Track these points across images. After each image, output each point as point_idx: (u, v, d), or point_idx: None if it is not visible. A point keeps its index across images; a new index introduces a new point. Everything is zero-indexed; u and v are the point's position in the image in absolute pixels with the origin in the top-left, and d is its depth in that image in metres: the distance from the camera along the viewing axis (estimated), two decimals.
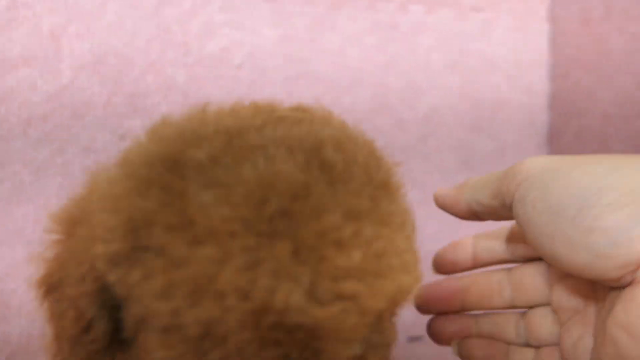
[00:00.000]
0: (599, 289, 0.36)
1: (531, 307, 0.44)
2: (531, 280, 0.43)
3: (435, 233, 0.84)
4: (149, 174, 0.28)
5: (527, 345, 0.43)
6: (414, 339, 0.83)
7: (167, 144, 0.29)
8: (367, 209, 0.29)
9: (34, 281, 0.33)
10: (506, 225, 0.48)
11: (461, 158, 0.84)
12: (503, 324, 0.44)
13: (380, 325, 0.30)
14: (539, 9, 0.86)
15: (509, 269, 0.47)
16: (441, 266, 0.50)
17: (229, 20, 0.73)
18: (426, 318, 0.82)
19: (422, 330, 0.83)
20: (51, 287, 0.32)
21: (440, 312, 0.50)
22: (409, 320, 0.82)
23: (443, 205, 0.45)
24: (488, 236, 0.48)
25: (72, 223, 0.32)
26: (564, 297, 0.39)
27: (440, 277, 0.75)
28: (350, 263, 0.27)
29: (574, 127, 0.82)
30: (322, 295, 0.26)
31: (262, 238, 0.26)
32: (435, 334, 0.48)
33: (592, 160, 0.33)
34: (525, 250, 0.45)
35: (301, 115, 0.33)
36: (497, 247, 0.46)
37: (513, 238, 0.46)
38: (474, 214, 0.42)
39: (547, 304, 0.42)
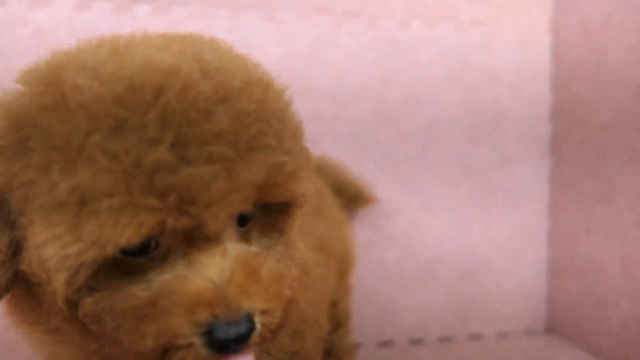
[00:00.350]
0: None
1: None
2: None
3: (437, 241, 0.87)
4: (36, 74, 0.32)
5: None
6: (415, 342, 0.86)
7: (62, 54, 0.34)
8: (244, 93, 0.31)
9: None
10: None
11: (463, 168, 0.86)
12: None
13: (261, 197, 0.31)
14: (541, 21, 0.88)
15: None
16: None
17: (235, 40, 0.78)
18: (427, 319, 0.85)
19: (423, 333, 0.86)
20: None
21: None
22: (410, 323, 0.86)
23: None
24: None
25: None
26: None
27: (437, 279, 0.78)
28: (220, 127, 0.29)
29: (575, 138, 0.83)
30: (191, 156, 0.28)
31: (131, 109, 0.28)
32: None
33: None
34: None
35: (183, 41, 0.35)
36: None
37: None
38: None
39: None
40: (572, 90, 0.84)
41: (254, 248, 0.33)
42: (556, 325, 0.89)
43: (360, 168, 0.83)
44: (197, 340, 0.30)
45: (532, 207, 0.89)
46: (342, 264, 0.63)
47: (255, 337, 0.31)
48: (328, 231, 0.58)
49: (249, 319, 0.30)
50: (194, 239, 0.31)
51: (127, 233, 0.28)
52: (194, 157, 0.28)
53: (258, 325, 0.31)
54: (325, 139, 0.82)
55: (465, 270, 0.88)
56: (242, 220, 0.33)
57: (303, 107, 0.79)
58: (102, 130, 0.28)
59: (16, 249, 0.31)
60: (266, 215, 0.34)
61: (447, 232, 0.87)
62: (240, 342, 0.30)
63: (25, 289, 0.34)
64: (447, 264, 0.87)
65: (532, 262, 0.90)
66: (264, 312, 0.31)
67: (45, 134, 0.29)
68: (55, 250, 0.29)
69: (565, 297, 0.86)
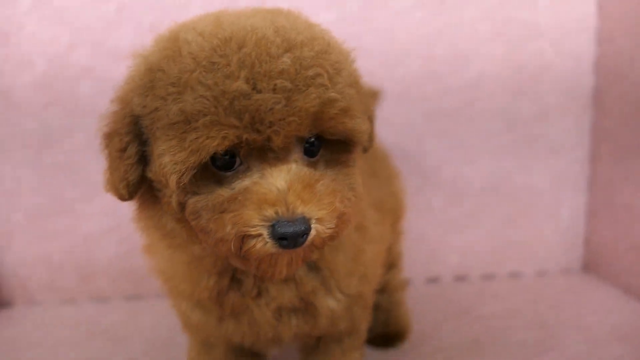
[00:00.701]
0: None
1: None
2: None
3: (480, 189, 0.94)
4: (163, 38, 0.43)
5: None
6: (459, 279, 0.96)
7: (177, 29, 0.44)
8: (302, 43, 0.40)
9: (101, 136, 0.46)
10: None
11: (505, 121, 0.92)
12: None
13: (319, 126, 0.41)
14: None
15: None
16: None
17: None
18: (470, 258, 0.94)
19: (467, 271, 0.95)
20: (107, 136, 0.45)
21: None
22: (454, 261, 0.95)
23: None
24: None
25: (124, 112, 0.44)
26: None
27: None
28: (282, 68, 0.38)
29: (617, 91, 0.86)
30: (260, 87, 0.38)
31: (221, 55, 0.39)
32: None
33: None
34: None
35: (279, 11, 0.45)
36: None
37: None
38: None
39: None
40: (616, 44, 0.87)
41: (319, 172, 0.43)
42: (592, 265, 0.96)
43: (409, 122, 0.90)
44: (264, 232, 0.39)
45: (572, 157, 0.94)
46: (395, 214, 0.71)
47: (309, 239, 0.40)
48: (382, 189, 0.65)
49: (306, 222, 0.39)
50: (268, 158, 0.40)
51: (215, 143, 0.38)
52: (263, 88, 0.38)
53: (313, 231, 0.40)
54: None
55: (506, 215, 0.95)
56: (310, 153, 0.43)
57: (360, 66, 0.85)
58: (201, 69, 0.39)
59: (142, 157, 0.43)
60: (330, 152, 0.44)
61: (490, 181, 0.94)
62: (296, 238, 0.39)
63: (149, 200, 0.45)
64: (489, 209, 0.95)
65: (571, 207, 0.96)
66: (318, 220, 0.40)
67: (165, 74, 0.40)
68: (169, 158, 0.39)
69: (601, 239, 0.93)
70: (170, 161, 0.39)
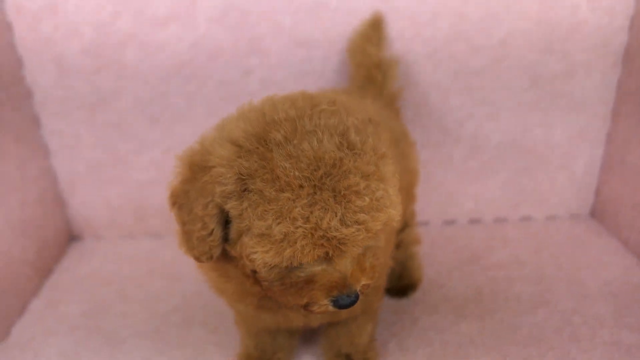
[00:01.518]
0: None
1: None
2: None
3: (499, 142, 0.99)
4: (248, 145, 0.47)
5: None
6: (473, 221, 1.05)
7: (255, 124, 0.49)
8: (373, 172, 0.48)
9: (168, 194, 0.53)
10: None
11: (531, 77, 0.94)
12: None
13: (376, 237, 0.49)
14: None
15: None
16: None
17: None
18: (485, 204, 1.02)
19: (481, 215, 1.04)
20: (176, 203, 0.51)
21: None
22: (470, 206, 1.03)
23: None
24: None
25: (194, 167, 0.52)
26: None
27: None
28: (363, 204, 0.46)
29: None
30: (347, 222, 0.46)
31: (316, 189, 0.45)
32: None
33: None
34: None
35: (333, 108, 0.50)
36: None
37: None
38: None
39: None
40: None
41: (361, 250, 0.51)
42: (599, 213, 1.03)
43: (435, 80, 0.94)
44: (328, 302, 0.50)
45: (593, 112, 0.97)
46: (409, 187, 0.79)
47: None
48: (398, 168, 0.73)
49: (357, 293, 0.50)
50: None
51: (308, 258, 0.47)
52: (350, 223, 0.46)
53: (360, 293, 0.51)
54: (406, 56, 0.91)
55: (523, 166, 1.01)
56: None
57: (389, 26, 0.87)
58: (300, 203, 0.45)
59: (225, 239, 0.50)
60: None
61: (510, 135, 0.99)
62: (350, 305, 0.50)
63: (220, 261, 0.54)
64: (506, 161, 1.01)
65: (587, 159, 1.01)
66: (364, 286, 0.51)
67: (262, 194, 0.46)
68: (262, 257, 0.47)
69: (611, 191, 0.99)
70: (262, 260, 0.47)
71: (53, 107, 0.91)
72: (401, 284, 0.85)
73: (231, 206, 0.48)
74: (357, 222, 0.46)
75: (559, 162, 1.01)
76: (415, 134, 0.97)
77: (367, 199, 0.46)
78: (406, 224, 0.84)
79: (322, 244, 0.46)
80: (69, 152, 0.95)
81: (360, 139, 0.48)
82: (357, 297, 0.50)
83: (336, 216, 0.45)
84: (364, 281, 0.50)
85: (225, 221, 0.49)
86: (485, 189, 1.03)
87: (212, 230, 0.49)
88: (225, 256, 0.52)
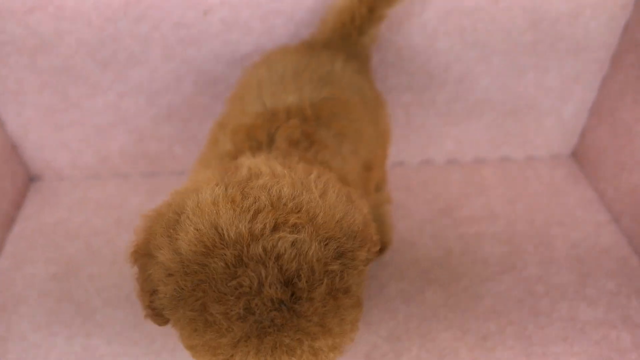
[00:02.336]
0: None
1: None
2: None
3: (488, 85, 0.92)
4: (190, 262, 0.43)
5: None
6: (451, 162, 1.02)
7: (203, 235, 0.43)
8: (314, 331, 0.42)
9: (129, 252, 0.50)
10: None
11: (530, 19, 0.83)
12: None
13: None
14: None
15: None
16: None
17: None
18: (465, 145, 0.98)
19: (459, 156, 1.00)
20: (135, 263, 0.48)
21: None
22: (449, 147, 0.99)
23: None
24: None
25: (149, 244, 0.47)
26: None
27: None
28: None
29: None
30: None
31: (244, 336, 0.41)
32: None
33: None
34: None
35: (294, 237, 0.43)
36: None
37: None
38: None
39: None
40: None
41: None
42: (579, 156, 1.00)
43: (423, 22, 0.83)
44: None
45: (593, 57, 0.88)
46: (381, 144, 0.74)
47: None
48: (371, 132, 0.68)
49: None
50: None
51: None
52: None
53: None
54: None
55: (510, 109, 0.95)
56: None
57: None
58: (225, 341, 0.42)
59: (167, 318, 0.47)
60: None
61: (500, 78, 0.91)
62: None
63: None
64: (493, 104, 0.94)
65: (577, 102, 0.95)
66: None
67: (191, 318, 0.43)
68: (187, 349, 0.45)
69: (596, 137, 0.95)
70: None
71: None
72: None
73: (166, 312, 0.45)
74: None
75: (548, 105, 0.95)
76: (396, 77, 0.89)
77: (297, 354, 0.42)
78: (377, 187, 0.81)
79: None
80: (14, 98, 0.86)
81: (309, 286, 0.42)
82: None
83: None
84: None
85: None
86: (467, 131, 0.98)
87: (157, 312, 0.47)
88: None
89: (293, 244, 0.42)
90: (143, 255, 0.47)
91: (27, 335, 0.75)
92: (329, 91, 0.65)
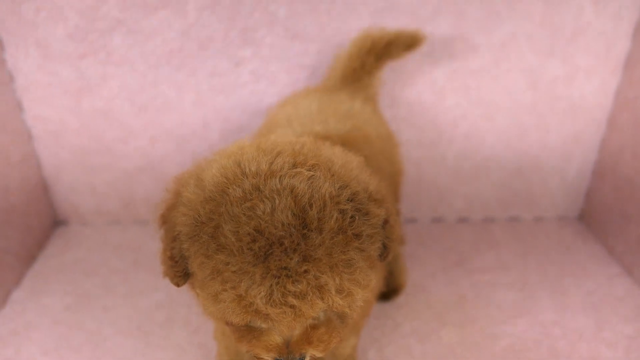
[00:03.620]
0: None
1: None
2: None
3: (494, 143, 0.98)
4: (210, 192, 0.46)
5: None
6: (462, 220, 1.05)
7: (225, 171, 0.47)
8: (320, 257, 0.43)
9: (157, 215, 0.52)
10: None
11: (530, 80, 0.92)
12: None
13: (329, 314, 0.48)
14: None
15: None
16: None
17: None
18: (475, 203, 1.02)
19: (469, 214, 1.04)
20: (162, 225, 0.51)
21: None
22: (459, 205, 1.03)
23: None
24: None
25: (175, 198, 0.50)
26: None
27: None
28: (296, 289, 0.43)
29: None
30: (274, 301, 0.43)
31: (251, 260, 0.43)
32: None
33: None
34: None
35: (311, 173, 0.46)
36: None
37: None
38: None
39: None
40: None
41: (316, 321, 0.48)
42: (587, 217, 1.03)
43: (432, 79, 0.91)
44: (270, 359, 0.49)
45: (590, 117, 0.95)
46: (394, 183, 0.78)
47: None
48: (388, 166, 0.71)
49: (302, 357, 0.49)
50: None
51: (236, 320, 0.45)
52: (277, 303, 0.43)
53: (307, 358, 0.49)
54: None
55: (515, 168, 1.00)
56: None
57: (387, 23, 0.84)
58: (232, 267, 0.44)
59: (185, 266, 0.49)
60: None
61: (505, 136, 0.97)
62: None
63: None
64: (499, 162, 0.99)
65: (579, 163, 1.00)
66: (312, 356, 0.49)
67: (205, 243, 0.45)
68: (203, 303, 0.47)
69: (601, 198, 0.99)
70: (203, 305, 0.48)
71: (36, 92, 0.88)
72: (385, 288, 0.85)
73: (185, 247, 0.47)
74: (285, 305, 0.43)
75: (552, 165, 1.00)
76: (408, 133, 0.96)
77: (302, 284, 0.43)
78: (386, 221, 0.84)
79: (250, 312, 0.44)
80: (53, 138, 0.93)
81: (319, 217, 0.44)
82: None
83: (261, 293, 0.43)
84: (310, 352, 0.48)
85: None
86: (476, 189, 1.02)
87: (177, 261, 0.48)
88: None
89: (309, 179, 0.45)
90: (170, 218, 0.50)
91: (35, 358, 0.74)
92: (352, 125, 0.71)
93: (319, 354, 0.49)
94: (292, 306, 0.44)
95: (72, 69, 0.86)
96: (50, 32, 0.83)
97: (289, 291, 0.43)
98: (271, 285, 0.43)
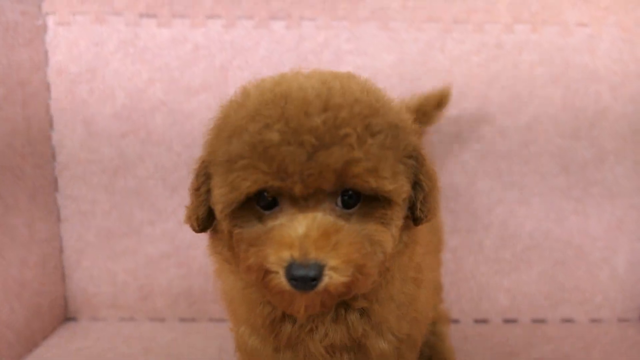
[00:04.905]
0: None
1: None
2: None
3: (533, 231, 0.94)
4: (240, 104, 0.47)
5: None
6: (509, 321, 0.95)
7: (256, 92, 0.47)
8: (338, 105, 0.44)
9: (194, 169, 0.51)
10: None
11: (560, 163, 0.92)
12: None
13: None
14: None
15: None
16: None
17: (354, 48, 0.90)
18: (521, 301, 0.93)
19: (517, 314, 0.94)
20: (197, 175, 0.50)
21: None
22: (504, 303, 0.94)
23: None
24: None
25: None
26: None
27: None
28: (313, 124, 0.42)
29: None
30: (290, 140, 0.42)
31: (268, 109, 0.44)
32: None
33: None
34: None
35: (342, 83, 0.47)
36: None
37: None
38: None
39: None
40: None
41: (343, 223, 0.45)
42: None
43: (462, 162, 0.92)
44: (280, 270, 0.43)
45: (629, 203, 0.93)
46: (437, 250, 0.73)
47: (323, 285, 0.43)
48: (429, 230, 0.67)
49: (318, 268, 0.42)
50: (299, 204, 0.44)
51: (247, 184, 0.43)
52: (291, 141, 0.42)
53: (326, 278, 0.43)
54: (432, 136, 0.91)
55: (559, 259, 0.94)
56: (346, 204, 0.45)
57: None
58: (249, 118, 0.44)
59: (208, 194, 0.48)
60: (367, 206, 0.46)
61: (543, 223, 0.93)
62: (307, 282, 0.42)
63: (215, 233, 0.51)
64: (541, 252, 0.94)
65: (628, 254, 0.94)
66: (332, 268, 0.43)
67: (228, 120, 0.46)
68: (217, 191, 0.45)
69: None
70: (217, 194, 0.45)
71: (74, 170, 0.90)
72: None
73: (208, 147, 0.48)
74: (301, 143, 0.42)
75: (598, 256, 0.94)
76: (443, 217, 0.93)
77: (319, 121, 0.43)
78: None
79: (262, 169, 0.42)
80: (81, 220, 0.92)
81: (348, 106, 0.44)
82: (317, 276, 0.42)
83: (278, 133, 0.42)
84: (328, 257, 0.42)
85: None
86: (520, 283, 0.95)
87: (200, 184, 0.48)
88: (218, 234, 0.50)
89: (341, 84, 0.46)
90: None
91: None
92: None
93: (339, 264, 0.43)
94: (310, 145, 0.42)
95: (113, 147, 0.90)
96: (98, 110, 0.89)
97: (306, 129, 0.42)
98: (287, 122, 0.42)
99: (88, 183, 0.91)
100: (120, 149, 0.90)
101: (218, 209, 0.46)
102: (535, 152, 0.92)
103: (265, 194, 0.45)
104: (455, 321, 0.95)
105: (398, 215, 0.47)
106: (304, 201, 0.44)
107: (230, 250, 0.48)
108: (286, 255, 0.42)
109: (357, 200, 0.45)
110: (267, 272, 0.44)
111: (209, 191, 0.48)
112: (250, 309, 0.52)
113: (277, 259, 0.43)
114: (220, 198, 0.45)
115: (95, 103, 0.89)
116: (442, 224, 0.79)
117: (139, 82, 0.89)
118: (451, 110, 0.91)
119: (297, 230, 0.43)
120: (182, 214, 0.90)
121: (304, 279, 0.42)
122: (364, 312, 0.51)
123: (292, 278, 0.42)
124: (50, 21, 0.86)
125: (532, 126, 0.92)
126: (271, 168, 0.42)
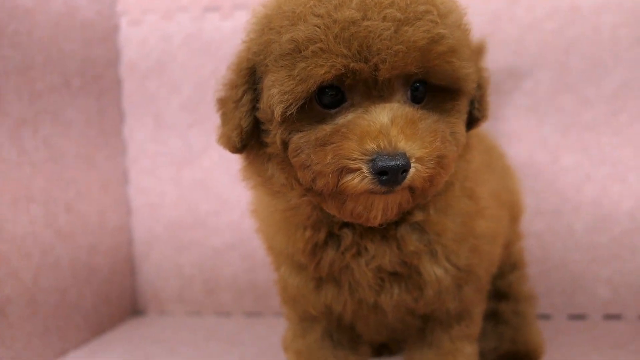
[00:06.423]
0: None
1: None
2: None
3: (632, 210, 0.83)
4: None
5: None
6: (611, 317, 0.82)
7: None
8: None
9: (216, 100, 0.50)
10: None
11: None
12: None
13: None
14: None
15: None
16: None
17: None
18: (624, 296, 0.81)
19: (621, 309, 0.82)
20: (221, 100, 0.49)
21: None
22: (605, 297, 0.82)
23: None
24: None
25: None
26: None
27: None
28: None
29: None
30: (370, 15, 0.39)
31: None
32: None
33: None
34: None
35: None
36: None
37: None
38: None
39: None
40: None
41: (423, 112, 0.42)
42: None
43: (542, 137, 0.84)
44: (364, 166, 0.38)
45: None
46: (512, 211, 0.65)
47: (409, 178, 0.39)
48: (498, 183, 0.61)
49: (406, 158, 0.38)
50: (372, 96, 0.41)
51: (322, 71, 0.39)
52: (372, 16, 0.39)
53: (413, 169, 0.39)
54: (505, 110, 0.85)
55: None
56: (415, 98, 0.42)
57: None
58: (314, 1, 0.40)
59: (254, 107, 0.44)
60: (436, 99, 0.43)
61: None
62: (397, 173, 0.38)
63: (255, 152, 0.47)
64: None
65: None
66: (418, 159, 0.39)
67: (281, 10, 0.43)
68: (277, 89, 0.41)
69: None
70: (278, 92, 0.41)
71: (144, 162, 0.93)
72: (515, 350, 0.64)
73: (255, 46, 0.44)
74: (384, 18, 0.39)
75: None
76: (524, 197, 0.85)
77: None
78: (514, 265, 0.68)
79: (340, 51, 0.38)
80: (151, 211, 0.93)
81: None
82: (406, 164, 0.38)
83: (356, 9, 0.39)
84: (416, 146, 0.39)
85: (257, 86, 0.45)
86: (622, 274, 0.82)
87: (243, 94, 0.44)
88: (259, 152, 0.46)
89: None
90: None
91: None
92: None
93: (425, 154, 0.39)
94: (394, 19, 0.39)
95: (180, 138, 0.92)
96: (166, 103, 0.92)
97: (387, 1, 0.39)
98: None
99: (156, 175, 0.93)
100: (187, 140, 0.92)
101: (278, 108, 0.41)
102: (627, 121, 0.82)
103: (339, 87, 0.41)
104: (545, 316, 0.84)
105: (465, 109, 0.45)
106: (377, 92, 0.41)
107: (280, 164, 0.44)
108: (371, 146, 0.39)
109: (425, 92, 0.43)
110: (344, 172, 0.40)
111: (253, 100, 0.44)
112: (289, 235, 0.48)
113: (360, 152, 0.39)
114: (282, 97, 0.41)
115: (164, 96, 0.92)
116: (518, 188, 0.71)
117: (204, 74, 0.91)
118: (525, 82, 0.84)
119: (382, 119, 0.40)
120: (243, 205, 0.90)
121: (395, 169, 0.38)
122: (417, 226, 0.47)
123: (379, 172, 0.38)
124: (123, 21, 0.92)
125: (620, 93, 0.82)
126: (351, 49, 0.39)
